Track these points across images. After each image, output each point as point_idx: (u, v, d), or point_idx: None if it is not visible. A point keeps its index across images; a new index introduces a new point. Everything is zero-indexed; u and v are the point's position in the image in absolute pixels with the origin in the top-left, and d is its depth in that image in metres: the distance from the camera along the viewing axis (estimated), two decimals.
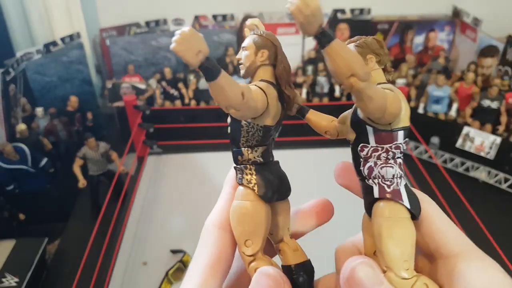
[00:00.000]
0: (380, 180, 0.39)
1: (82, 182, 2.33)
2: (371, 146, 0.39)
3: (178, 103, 3.05)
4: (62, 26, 3.10)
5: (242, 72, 0.46)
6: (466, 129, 2.72)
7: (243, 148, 0.44)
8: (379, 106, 0.36)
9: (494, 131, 2.69)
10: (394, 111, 0.37)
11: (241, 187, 0.43)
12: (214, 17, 3.32)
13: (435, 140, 2.90)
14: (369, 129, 0.39)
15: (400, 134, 0.39)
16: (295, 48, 3.37)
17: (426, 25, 3.38)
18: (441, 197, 2.20)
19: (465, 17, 3.23)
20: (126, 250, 2.08)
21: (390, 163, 0.40)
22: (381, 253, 0.38)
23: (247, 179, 0.43)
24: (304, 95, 3.08)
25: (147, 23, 3.28)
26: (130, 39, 3.21)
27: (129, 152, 2.49)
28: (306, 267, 0.45)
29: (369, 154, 0.40)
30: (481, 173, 2.69)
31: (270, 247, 0.47)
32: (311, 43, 3.39)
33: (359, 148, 0.40)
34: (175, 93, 3.08)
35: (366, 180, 0.40)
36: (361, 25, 3.33)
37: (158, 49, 3.24)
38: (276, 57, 0.46)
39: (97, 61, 3.44)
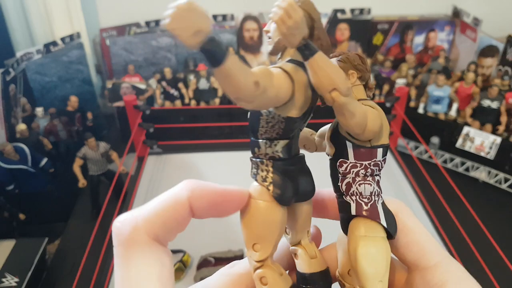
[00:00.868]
0: (357, 197, 0.39)
1: (82, 182, 2.33)
2: (350, 162, 0.39)
3: (178, 103, 3.05)
4: (62, 26, 3.10)
5: (270, 47, 0.40)
6: (466, 129, 2.72)
7: (260, 140, 0.38)
8: (360, 122, 0.35)
9: (494, 131, 2.69)
10: (374, 128, 0.37)
11: (255, 183, 0.39)
12: (214, 17, 3.32)
13: (435, 140, 2.90)
14: (349, 145, 0.38)
15: (379, 151, 0.39)
16: None
17: (426, 25, 3.38)
18: (441, 197, 2.20)
19: (465, 17, 3.23)
20: None
21: (368, 180, 0.39)
22: (355, 272, 0.37)
23: (262, 176, 0.38)
24: None
25: (147, 23, 3.28)
26: (130, 39, 3.21)
27: (129, 152, 2.49)
28: (323, 277, 0.41)
29: (347, 170, 0.39)
30: (481, 173, 2.69)
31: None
32: None
33: (337, 163, 0.40)
34: (175, 93, 3.08)
35: (343, 196, 0.39)
36: (361, 25, 3.32)
37: (158, 49, 3.24)
38: (312, 32, 0.39)
39: (97, 61, 3.44)
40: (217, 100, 3.02)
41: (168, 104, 3.03)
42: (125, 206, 2.33)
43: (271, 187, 0.37)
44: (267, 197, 0.37)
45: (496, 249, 1.79)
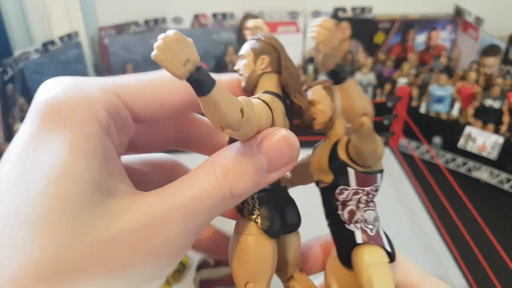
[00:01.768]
0: (362, 224, 0.38)
1: None
2: (352, 189, 0.38)
3: None
4: (61, 25, 3.08)
5: (242, 84, 0.41)
6: (468, 129, 2.70)
7: None
8: (375, 148, 0.36)
9: (496, 131, 2.67)
10: (381, 153, 0.38)
11: (240, 218, 0.39)
12: (214, 15, 3.30)
13: (437, 140, 2.88)
14: (351, 171, 0.38)
15: (379, 176, 0.40)
16: (296, 47, 3.35)
17: (428, 24, 3.36)
18: (443, 198, 2.18)
19: (467, 16, 3.21)
20: None
21: (371, 206, 0.39)
22: None
23: (248, 210, 0.37)
24: None
25: (146, 22, 3.26)
26: (129, 38, 3.19)
27: (127, 151, 2.47)
28: None
29: (349, 197, 0.38)
30: (483, 173, 2.68)
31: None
32: (311, 41, 3.36)
33: (337, 191, 0.39)
34: None
35: (346, 224, 0.39)
36: (362, 24, 3.30)
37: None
38: (279, 63, 0.41)
39: (96, 60, 3.42)
40: None
41: None
42: None
43: (259, 219, 0.36)
44: (255, 231, 0.36)
45: (499, 251, 1.77)
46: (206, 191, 0.30)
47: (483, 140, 2.70)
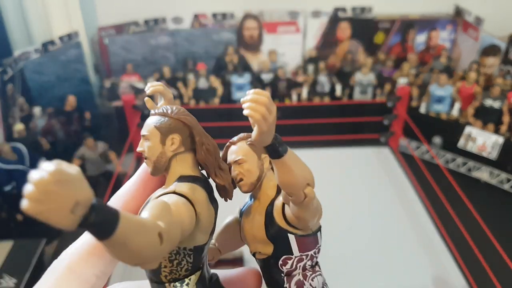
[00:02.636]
0: None
1: None
2: (295, 256, 0.36)
3: (177, 102, 3.03)
4: (60, 25, 3.07)
5: (149, 169, 0.37)
6: (468, 129, 2.69)
7: (167, 284, 0.34)
8: (316, 212, 0.34)
9: (496, 131, 2.67)
10: (321, 213, 0.36)
11: None
12: (214, 15, 3.29)
13: (437, 140, 2.88)
14: (291, 238, 0.36)
15: (319, 235, 0.38)
16: (296, 47, 3.34)
17: (428, 24, 3.36)
18: (443, 197, 2.18)
19: (467, 16, 3.20)
20: None
21: (318, 271, 0.37)
22: None
23: None
24: (304, 94, 3.06)
25: (146, 22, 3.26)
26: (129, 37, 3.19)
27: (127, 152, 2.47)
28: None
29: (294, 266, 0.36)
30: (483, 173, 2.67)
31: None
32: (311, 41, 3.36)
33: (280, 262, 0.36)
34: (174, 92, 3.06)
35: None
36: (362, 24, 3.30)
37: (157, 48, 3.22)
38: (193, 140, 0.37)
39: (96, 60, 3.41)
40: (216, 100, 3.00)
41: None
42: None
43: None
44: None
45: (499, 250, 1.77)
46: None
47: (483, 140, 2.70)
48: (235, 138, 0.46)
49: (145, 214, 0.27)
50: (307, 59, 3.31)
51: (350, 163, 2.66)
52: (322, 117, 2.75)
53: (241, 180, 0.40)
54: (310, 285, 0.35)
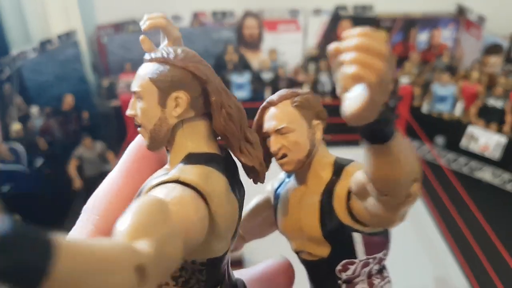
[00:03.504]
0: None
1: (78, 184, 2.29)
2: (360, 260, 0.28)
3: None
4: (58, 24, 3.04)
5: (145, 143, 0.26)
6: (470, 129, 2.67)
7: None
8: (406, 212, 0.26)
9: (499, 130, 2.64)
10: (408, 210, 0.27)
11: None
12: (214, 14, 3.26)
13: (439, 139, 2.85)
14: (357, 237, 0.28)
15: (390, 235, 0.32)
16: (296, 45, 3.31)
17: (430, 22, 3.33)
18: (445, 198, 2.15)
19: (469, 14, 3.18)
20: None
21: (387, 276, 0.29)
22: None
23: None
24: None
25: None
26: (127, 36, 3.16)
27: None
28: None
29: (356, 273, 0.28)
30: (485, 174, 2.65)
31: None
32: (312, 40, 3.33)
33: (339, 268, 0.28)
34: None
35: None
36: (364, 22, 3.27)
37: (156, 47, 3.19)
38: (207, 100, 0.25)
39: (94, 59, 3.38)
40: None
41: None
42: None
43: None
44: None
45: (501, 252, 1.75)
46: None
47: (485, 140, 2.68)
48: (274, 97, 0.32)
49: (121, 226, 0.18)
50: (308, 58, 3.28)
51: None
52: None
53: (284, 156, 0.28)
54: None
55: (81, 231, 0.26)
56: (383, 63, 0.17)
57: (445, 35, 3.35)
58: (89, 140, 2.27)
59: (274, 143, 0.29)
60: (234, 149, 0.24)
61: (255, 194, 0.36)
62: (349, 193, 0.27)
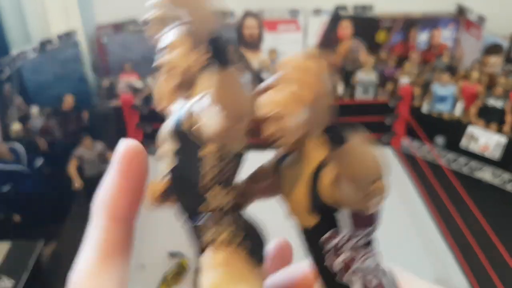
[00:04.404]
0: (361, 274, 0.30)
1: (78, 184, 2.29)
2: (345, 234, 0.29)
3: None
4: (58, 23, 3.05)
5: (172, 84, 0.28)
6: (470, 129, 2.67)
7: (208, 192, 0.28)
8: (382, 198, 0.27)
9: (499, 130, 2.65)
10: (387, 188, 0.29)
11: (212, 251, 0.29)
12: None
13: (439, 139, 2.85)
14: (343, 213, 0.29)
15: (378, 212, 0.30)
16: (296, 45, 3.32)
17: (430, 22, 3.33)
18: (445, 198, 2.16)
19: (469, 14, 3.18)
20: None
21: (372, 250, 0.30)
22: None
23: (224, 238, 0.29)
24: None
25: (144, 21, 3.23)
26: (127, 36, 3.16)
27: None
28: None
29: (341, 244, 0.29)
30: (485, 174, 2.65)
31: None
32: (312, 40, 3.33)
33: (324, 237, 0.29)
34: None
35: (338, 277, 0.30)
36: (364, 23, 3.27)
37: (156, 47, 3.19)
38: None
39: (94, 59, 3.39)
40: None
41: None
42: None
43: (241, 246, 0.28)
44: (236, 261, 0.28)
45: (501, 252, 1.75)
46: None
47: (485, 140, 2.68)
48: (269, 83, 0.34)
49: None
50: None
51: None
52: None
53: (279, 138, 0.31)
54: (360, 266, 0.29)
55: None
56: (315, 80, 0.19)
57: (445, 35, 3.35)
58: (89, 140, 2.27)
59: (268, 127, 0.30)
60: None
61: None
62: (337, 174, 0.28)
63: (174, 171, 0.27)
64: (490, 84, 2.80)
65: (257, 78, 0.33)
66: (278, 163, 0.32)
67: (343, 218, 0.28)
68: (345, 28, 3.26)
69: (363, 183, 0.24)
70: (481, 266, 1.80)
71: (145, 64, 3.25)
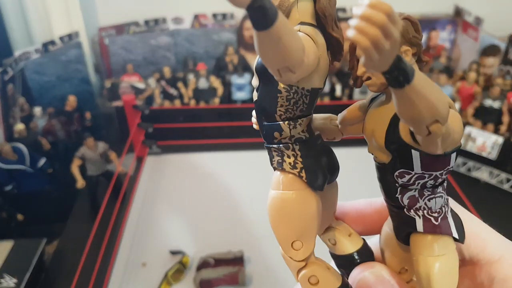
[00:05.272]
0: (426, 211, 0.32)
1: (81, 183, 2.31)
2: (416, 173, 0.31)
3: (177, 102, 3.03)
4: (61, 25, 3.08)
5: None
6: (467, 129, 2.70)
7: (281, 122, 0.31)
8: (451, 142, 0.28)
9: (496, 131, 2.68)
10: (458, 137, 0.29)
11: (279, 174, 0.33)
12: (214, 15, 3.30)
13: None
14: (415, 154, 0.30)
15: (453, 156, 0.31)
16: None
17: (428, 24, 3.36)
18: None
19: (467, 16, 3.21)
20: (125, 251, 2.06)
21: (439, 192, 0.32)
22: None
23: (290, 163, 0.32)
24: None
25: (146, 22, 3.26)
26: (129, 38, 3.19)
27: (128, 152, 2.48)
28: (368, 251, 0.38)
29: (411, 182, 0.31)
30: (482, 174, 2.68)
31: None
32: None
33: (396, 174, 0.31)
34: (175, 92, 3.06)
35: (405, 210, 0.33)
36: None
37: (158, 48, 3.22)
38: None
39: (96, 60, 3.42)
40: (216, 100, 3.01)
41: (167, 104, 3.01)
42: (124, 207, 2.32)
43: (303, 173, 0.31)
44: (299, 186, 0.31)
45: None
46: None
47: (482, 140, 2.71)
48: None
49: None
50: None
51: (350, 163, 2.66)
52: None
53: (368, 78, 0.31)
54: (425, 204, 0.30)
55: None
56: (377, 31, 0.20)
57: (442, 37, 3.38)
58: (92, 140, 2.30)
59: (360, 67, 0.33)
60: (327, 26, 0.31)
61: None
62: None
63: (257, 102, 0.32)
64: (487, 85, 2.83)
65: None
66: (369, 103, 0.35)
67: (415, 159, 0.30)
68: (344, 30, 3.30)
69: (421, 124, 0.25)
70: None
71: (147, 65, 3.28)
